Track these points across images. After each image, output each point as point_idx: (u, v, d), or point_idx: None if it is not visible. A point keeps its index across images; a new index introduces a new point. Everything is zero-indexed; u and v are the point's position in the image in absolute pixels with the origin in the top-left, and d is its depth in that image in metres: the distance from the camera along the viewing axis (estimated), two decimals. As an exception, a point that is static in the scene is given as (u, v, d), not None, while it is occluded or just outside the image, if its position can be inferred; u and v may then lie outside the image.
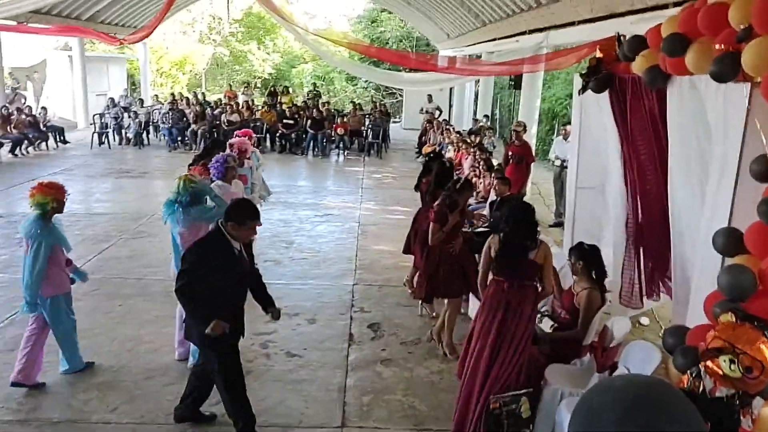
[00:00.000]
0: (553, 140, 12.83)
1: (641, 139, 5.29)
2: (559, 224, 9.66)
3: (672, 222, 4.74)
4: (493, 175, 9.99)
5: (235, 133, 9.11)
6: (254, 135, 10.00)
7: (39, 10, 15.85)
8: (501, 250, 4.22)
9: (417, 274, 6.30)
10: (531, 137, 11.86)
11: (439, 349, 5.67)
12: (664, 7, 5.97)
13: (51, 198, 4.61)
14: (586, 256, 4.62)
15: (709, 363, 2.83)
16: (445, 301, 5.77)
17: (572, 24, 8.86)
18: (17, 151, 15.16)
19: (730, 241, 3.53)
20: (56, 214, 4.72)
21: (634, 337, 6.16)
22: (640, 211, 5.63)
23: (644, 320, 6.54)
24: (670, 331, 3.92)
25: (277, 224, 9.61)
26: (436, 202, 5.67)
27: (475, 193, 8.73)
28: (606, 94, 5.63)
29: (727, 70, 3.55)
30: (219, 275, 3.81)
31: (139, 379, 4.93)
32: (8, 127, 15.10)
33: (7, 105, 15.89)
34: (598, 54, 5.74)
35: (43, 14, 16.47)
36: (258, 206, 5.74)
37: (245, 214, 3.94)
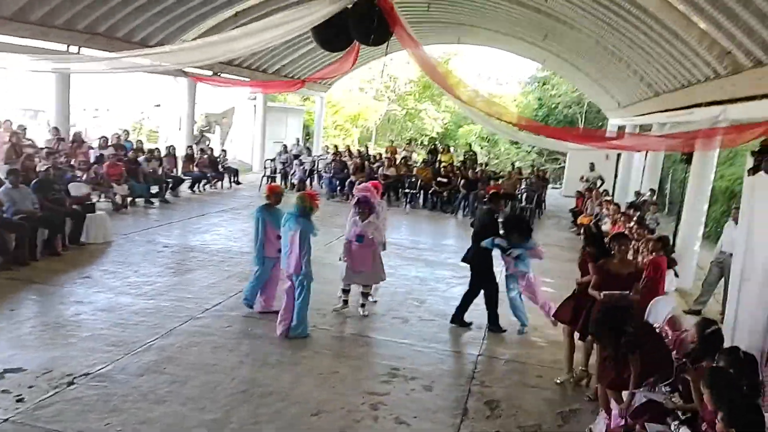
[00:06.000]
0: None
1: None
2: (695, 312, 8.66)
3: None
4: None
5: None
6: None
7: (231, 62, 17.74)
8: None
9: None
10: (700, 216, 10.86)
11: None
12: None
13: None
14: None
15: None
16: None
17: (754, 98, 7.99)
18: (196, 188, 16.75)
19: None
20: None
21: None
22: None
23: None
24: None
25: (413, 281, 9.53)
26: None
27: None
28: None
29: None
30: None
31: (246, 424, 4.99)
32: (191, 166, 16.80)
33: (193, 145, 17.70)
34: (775, 132, 5.09)
35: (235, 66, 18.39)
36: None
37: None
